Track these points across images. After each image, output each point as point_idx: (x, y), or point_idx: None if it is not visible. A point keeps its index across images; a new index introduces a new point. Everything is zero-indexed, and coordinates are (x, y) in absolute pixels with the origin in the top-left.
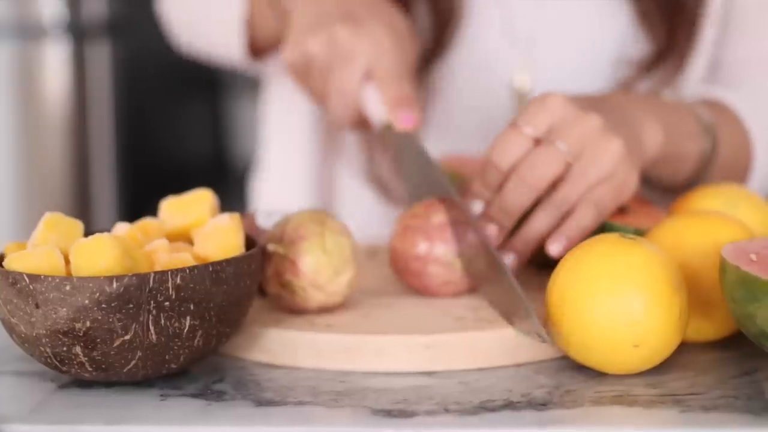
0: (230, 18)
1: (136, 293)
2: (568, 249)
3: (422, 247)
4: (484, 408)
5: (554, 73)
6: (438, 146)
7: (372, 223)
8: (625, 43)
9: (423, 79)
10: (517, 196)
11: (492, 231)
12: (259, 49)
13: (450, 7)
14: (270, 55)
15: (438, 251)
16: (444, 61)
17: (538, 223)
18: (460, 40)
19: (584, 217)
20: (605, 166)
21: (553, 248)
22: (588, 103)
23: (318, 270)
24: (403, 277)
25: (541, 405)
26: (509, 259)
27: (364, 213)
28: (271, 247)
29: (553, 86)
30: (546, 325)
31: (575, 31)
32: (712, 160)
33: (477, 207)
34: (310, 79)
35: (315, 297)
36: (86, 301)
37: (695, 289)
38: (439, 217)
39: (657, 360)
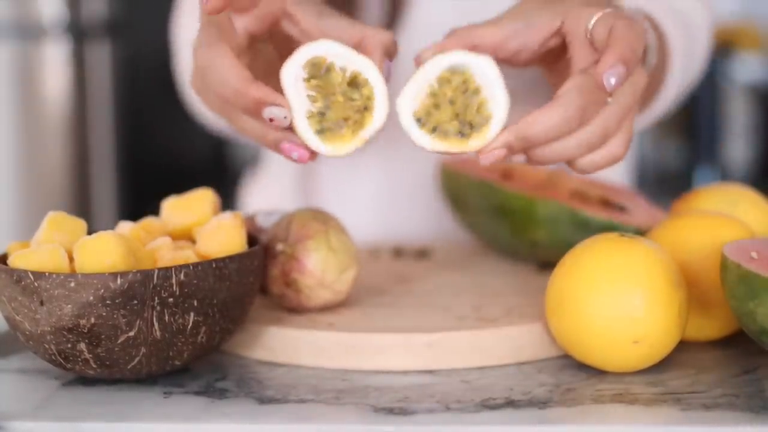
0: None
1: (140, 289)
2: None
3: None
4: (486, 406)
5: None
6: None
7: (368, 224)
8: None
9: None
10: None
11: None
12: None
13: None
14: None
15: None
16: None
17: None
18: (410, 22)
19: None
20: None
21: None
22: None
23: (325, 268)
24: None
25: (542, 403)
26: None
27: (359, 213)
28: (279, 246)
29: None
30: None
31: None
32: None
33: None
34: None
35: (321, 295)
36: (91, 298)
37: (696, 289)
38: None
39: (657, 357)
